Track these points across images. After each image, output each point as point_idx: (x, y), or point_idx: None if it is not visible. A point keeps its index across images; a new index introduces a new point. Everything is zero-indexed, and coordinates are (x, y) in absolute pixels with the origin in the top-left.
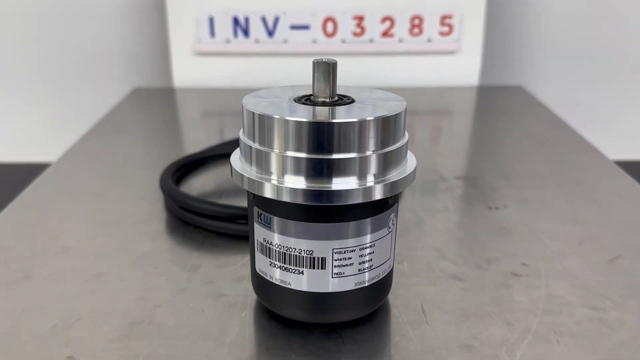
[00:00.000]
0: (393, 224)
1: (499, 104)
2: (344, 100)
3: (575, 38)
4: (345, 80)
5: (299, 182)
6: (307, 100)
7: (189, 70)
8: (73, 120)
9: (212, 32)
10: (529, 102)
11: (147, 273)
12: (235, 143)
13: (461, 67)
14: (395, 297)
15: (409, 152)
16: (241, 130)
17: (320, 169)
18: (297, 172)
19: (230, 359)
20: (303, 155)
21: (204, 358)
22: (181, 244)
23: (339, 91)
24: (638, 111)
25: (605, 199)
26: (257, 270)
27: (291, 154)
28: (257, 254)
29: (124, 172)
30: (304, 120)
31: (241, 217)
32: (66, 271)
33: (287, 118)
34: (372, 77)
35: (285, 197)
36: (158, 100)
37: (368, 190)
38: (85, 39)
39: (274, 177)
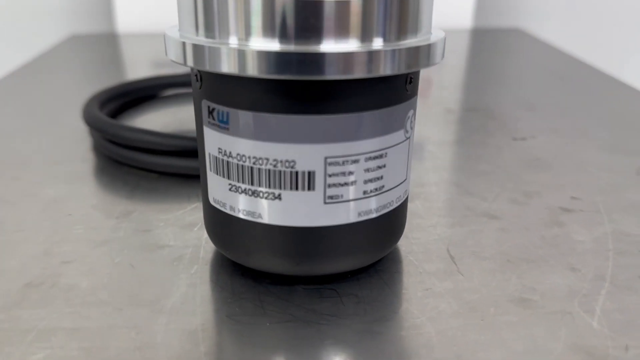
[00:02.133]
0: (411, 127)
1: (500, 46)
2: None
3: None
4: None
5: (271, 45)
6: None
7: (135, 13)
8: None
9: None
10: (533, 43)
11: (56, 222)
12: (184, 76)
13: (452, 8)
14: (409, 242)
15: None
16: None
17: (304, 21)
18: (268, 28)
19: (171, 333)
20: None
21: (131, 332)
22: (109, 186)
23: None
24: None
25: None
26: (212, 202)
27: None
28: (211, 177)
29: (46, 112)
30: None
31: (190, 152)
32: None
33: None
34: None
35: (252, 69)
36: (99, 47)
37: (375, 57)
38: None
39: (233, 40)
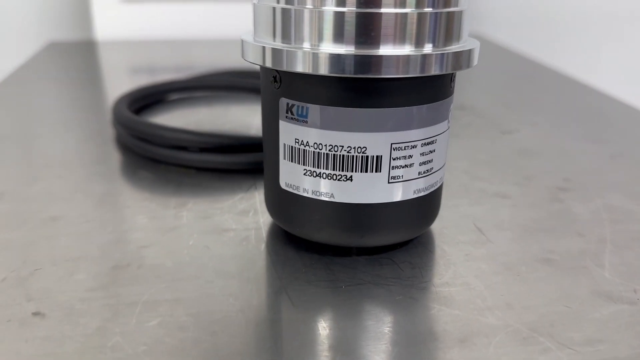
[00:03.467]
0: (450, 119)
1: None
2: None
3: None
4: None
5: (339, 49)
6: None
7: (113, 19)
8: None
9: None
10: (490, 47)
11: (118, 213)
12: (205, 77)
13: None
14: (440, 219)
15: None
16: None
17: (367, 30)
18: (337, 35)
19: (264, 297)
20: (347, 9)
21: (229, 298)
22: (152, 183)
23: None
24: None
25: (621, 120)
26: (283, 186)
27: (331, 8)
28: (284, 164)
29: (53, 116)
30: None
31: (230, 147)
32: (6, 218)
33: None
34: None
35: (323, 69)
36: (77, 55)
37: (428, 59)
38: None
39: (306, 45)
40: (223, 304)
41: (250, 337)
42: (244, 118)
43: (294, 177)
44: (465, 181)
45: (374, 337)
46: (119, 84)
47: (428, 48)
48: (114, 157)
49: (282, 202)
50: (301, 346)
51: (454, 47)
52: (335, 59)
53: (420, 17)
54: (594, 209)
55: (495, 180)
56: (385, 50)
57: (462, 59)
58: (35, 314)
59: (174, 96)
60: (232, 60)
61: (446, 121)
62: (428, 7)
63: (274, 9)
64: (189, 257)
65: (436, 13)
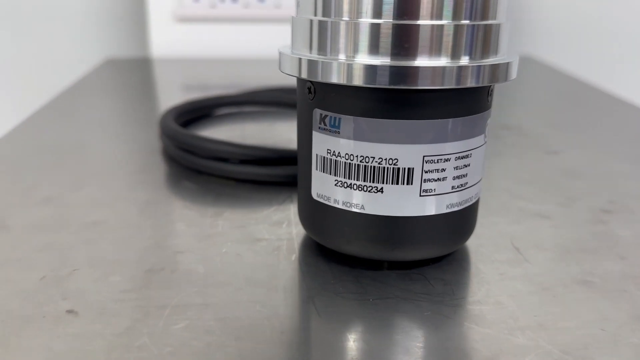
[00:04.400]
0: (487, 134)
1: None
2: None
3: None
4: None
5: (374, 60)
6: None
7: (169, 37)
8: (36, 93)
9: None
10: (542, 69)
11: (158, 220)
12: (252, 93)
13: None
14: (477, 237)
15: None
16: (295, 9)
17: (402, 41)
18: (372, 47)
19: (290, 306)
20: (382, 20)
21: (256, 305)
22: (193, 192)
23: None
24: None
25: None
26: (315, 197)
27: (367, 20)
28: (316, 175)
29: (106, 128)
30: None
31: (268, 160)
32: (51, 221)
33: None
34: None
35: (357, 80)
36: (133, 71)
37: (463, 71)
38: None
39: (342, 56)
40: (250, 311)
41: (275, 345)
42: (287, 133)
43: (326, 188)
44: (505, 199)
45: (401, 352)
46: (172, 99)
47: (464, 60)
48: (160, 167)
49: (314, 213)
50: (325, 356)
51: (491, 60)
52: (370, 70)
53: (457, 29)
54: (639, 232)
55: (537, 200)
56: (421, 62)
57: (499, 72)
58: (69, 311)
59: (222, 111)
60: (281, 78)
61: (482, 135)
62: (465, 19)
63: (311, 21)
64: (221, 264)
65: (473, 25)
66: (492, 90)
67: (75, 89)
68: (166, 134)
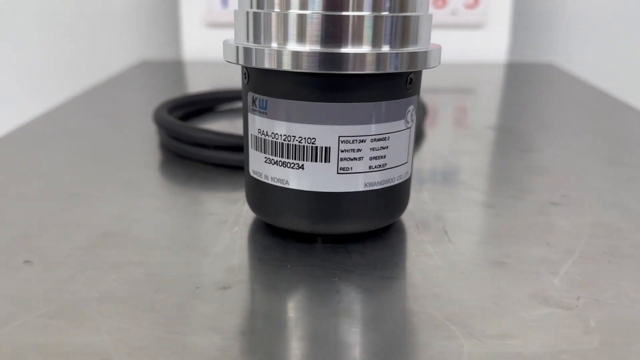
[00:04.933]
0: (412, 120)
1: (529, 79)
2: None
3: (612, 11)
4: None
5: (302, 47)
6: None
7: (200, 41)
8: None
9: (224, 1)
10: (563, 79)
11: (129, 195)
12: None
13: (488, 43)
14: (413, 219)
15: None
16: (238, 3)
17: (330, 31)
18: (300, 36)
19: (215, 268)
20: (309, 11)
21: (183, 266)
22: (171, 174)
23: None
24: None
25: None
26: (251, 173)
27: (295, 11)
28: (252, 153)
29: (121, 121)
30: None
31: (239, 147)
32: (40, 192)
33: None
34: None
35: (287, 64)
36: (166, 73)
37: (383, 58)
38: (89, 2)
39: (274, 44)
40: (177, 270)
41: (188, 297)
42: None
43: (258, 165)
44: (457, 190)
45: (295, 309)
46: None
47: (385, 48)
48: (153, 153)
49: (251, 189)
50: (228, 309)
51: (409, 49)
52: (296, 56)
53: (377, 20)
54: (579, 223)
55: (490, 192)
56: (343, 49)
57: (417, 60)
58: (26, 262)
59: (224, 106)
60: None
61: (402, 121)
62: (385, 11)
63: (247, 13)
64: (170, 232)
65: (392, 17)
66: (411, 79)
67: (108, 85)
68: (157, 122)
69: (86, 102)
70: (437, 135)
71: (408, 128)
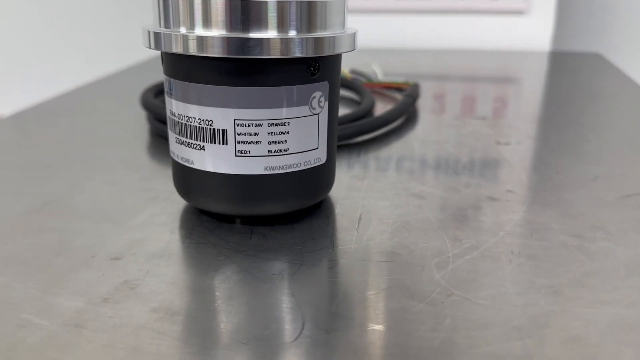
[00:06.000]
0: (320, 106)
1: (572, 70)
2: None
3: None
4: (403, 41)
5: (207, 32)
6: None
7: None
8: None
9: None
10: (608, 71)
11: (89, 170)
12: None
13: (530, 30)
14: (334, 206)
15: (349, 26)
16: None
17: (231, 15)
18: (206, 21)
19: (119, 239)
20: None
21: (93, 236)
22: (142, 151)
23: None
24: None
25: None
26: (170, 154)
27: None
28: (170, 134)
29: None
30: None
31: None
32: (9, 163)
33: None
34: (432, 38)
35: (193, 49)
36: None
37: (287, 43)
38: None
39: (182, 29)
40: (86, 239)
41: (78, 266)
42: None
43: (172, 145)
44: (400, 180)
45: (168, 282)
46: None
47: (292, 34)
48: (143, 137)
49: (172, 169)
50: (104, 274)
51: (315, 34)
52: (200, 41)
53: (281, 5)
54: (504, 220)
55: (431, 184)
56: (247, 34)
57: (324, 45)
58: None
59: None
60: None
61: (306, 107)
62: None
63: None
64: (103, 204)
65: (297, 2)
66: (318, 65)
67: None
68: (142, 103)
69: (103, 86)
70: (444, 121)
71: (315, 114)
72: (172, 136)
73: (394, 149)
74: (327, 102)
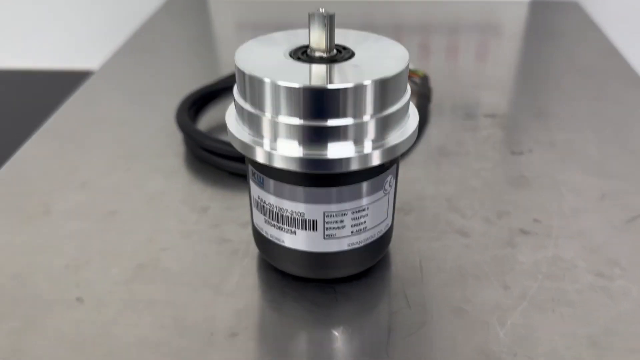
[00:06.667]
0: (390, 186)
1: (550, 24)
2: (343, 54)
3: None
4: None
5: (292, 149)
6: (303, 53)
7: None
8: (112, 27)
9: None
10: (583, 23)
11: (157, 213)
12: None
13: None
14: (395, 252)
15: (410, 105)
16: (235, 86)
17: (314, 136)
18: (290, 137)
19: (226, 309)
20: (296, 121)
21: (201, 307)
22: (194, 182)
23: (338, 38)
24: None
25: (638, 146)
26: (255, 225)
27: (284, 119)
28: (254, 210)
29: (148, 99)
30: (297, 86)
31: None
32: (83, 207)
33: (279, 83)
34: None
35: (278, 164)
36: (192, 12)
37: (365, 157)
38: None
39: (266, 141)
40: (197, 313)
41: (203, 345)
42: None
43: (260, 222)
44: (440, 211)
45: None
46: (226, 48)
47: (368, 145)
48: (177, 152)
49: (256, 235)
50: (230, 353)
51: (391, 139)
52: (286, 159)
53: (359, 125)
54: (539, 259)
55: (468, 214)
56: (329, 152)
57: (397, 149)
58: (78, 299)
59: None
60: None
61: (381, 191)
62: (366, 115)
63: (242, 108)
64: (190, 263)
65: (376, 118)
66: (390, 160)
67: (138, 36)
68: (179, 125)
69: (116, 69)
70: (434, 123)
71: (387, 194)
72: (259, 216)
73: (416, 166)
74: (395, 179)
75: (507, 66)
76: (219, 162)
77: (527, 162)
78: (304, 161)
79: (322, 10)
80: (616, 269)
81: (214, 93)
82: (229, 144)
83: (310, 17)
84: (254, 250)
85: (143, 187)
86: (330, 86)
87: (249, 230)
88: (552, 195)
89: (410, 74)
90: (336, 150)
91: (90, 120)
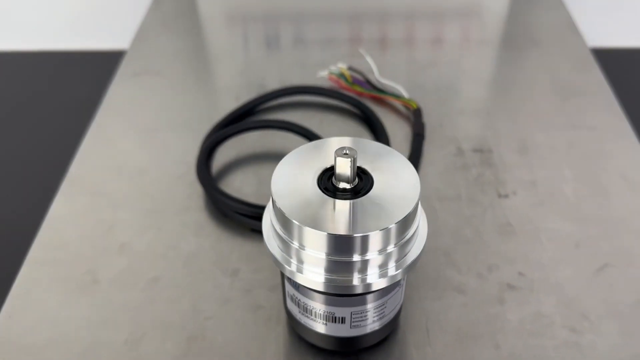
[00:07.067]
0: (404, 280)
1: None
2: (364, 181)
3: None
4: None
5: (318, 274)
6: (329, 178)
7: None
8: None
9: None
10: (564, 27)
11: (194, 278)
12: (263, 98)
13: None
14: (405, 315)
15: (419, 210)
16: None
17: (339, 268)
18: (316, 265)
19: None
20: (322, 255)
21: None
22: (222, 239)
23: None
24: None
25: (611, 184)
26: (288, 308)
27: (310, 252)
28: (288, 301)
29: (157, 137)
30: (323, 234)
31: None
32: (127, 275)
33: (306, 229)
34: None
35: (305, 283)
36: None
37: (389, 278)
38: None
39: (294, 261)
40: None
41: None
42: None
43: (294, 310)
44: (439, 267)
45: None
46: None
47: (391, 266)
48: (199, 206)
49: (289, 314)
50: None
51: (410, 255)
52: (313, 282)
53: (383, 255)
54: (524, 316)
55: (464, 268)
56: (355, 279)
57: (415, 262)
58: None
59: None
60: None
61: (397, 287)
62: (391, 245)
63: (273, 226)
64: (232, 333)
65: (399, 247)
66: None
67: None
68: (201, 182)
69: (118, 105)
70: (431, 162)
71: (401, 287)
72: (292, 305)
73: None
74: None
75: (487, 83)
76: (242, 220)
77: (512, 206)
78: (330, 286)
79: (346, 150)
80: (585, 323)
81: (227, 135)
82: (249, 204)
83: (337, 155)
84: (283, 316)
85: (176, 248)
86: (356, 234)
87: (277, 295)
88: (534, 245)
89: (400, 101)
90: (361, 277)
91: (110, 168)
